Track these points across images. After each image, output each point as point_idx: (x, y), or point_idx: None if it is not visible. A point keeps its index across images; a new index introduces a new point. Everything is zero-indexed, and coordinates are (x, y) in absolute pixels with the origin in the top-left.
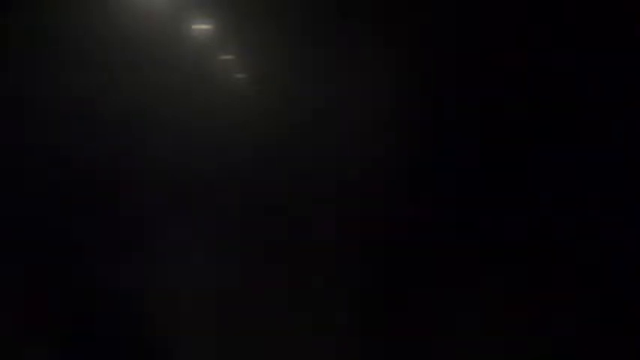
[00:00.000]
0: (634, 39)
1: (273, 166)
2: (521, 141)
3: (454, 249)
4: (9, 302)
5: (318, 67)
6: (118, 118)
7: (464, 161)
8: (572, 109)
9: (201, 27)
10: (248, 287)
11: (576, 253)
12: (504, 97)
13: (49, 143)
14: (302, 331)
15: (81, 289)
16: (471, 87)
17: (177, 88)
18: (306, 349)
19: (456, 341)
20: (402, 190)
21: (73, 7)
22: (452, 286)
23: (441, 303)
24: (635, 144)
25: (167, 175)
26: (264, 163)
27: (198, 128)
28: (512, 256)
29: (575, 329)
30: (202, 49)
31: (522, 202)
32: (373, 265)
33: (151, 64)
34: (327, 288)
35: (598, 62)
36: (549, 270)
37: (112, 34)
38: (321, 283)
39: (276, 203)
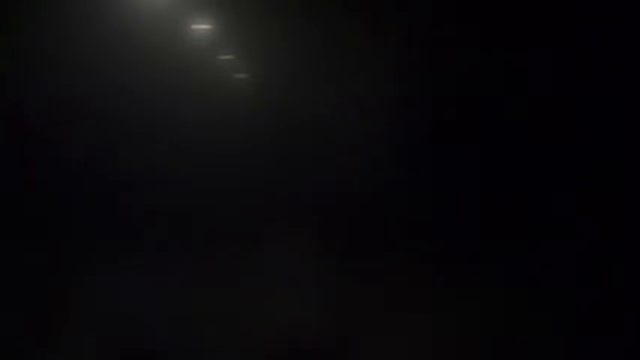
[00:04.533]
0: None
1: (273, 164)
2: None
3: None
4: None
5: (318, 66)
6: (119, 119)
7: (463, 161)
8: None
9: (202, 27)
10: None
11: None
12: (504, 97)
13: (50, 143)
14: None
15: None
16: (471, 87)
17: (178, 89)
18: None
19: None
20: (402, 190)
21: (73, 9)
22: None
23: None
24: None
25: (167, 174)
26: (263, 161)
27: (198, 128)
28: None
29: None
30: (202, 50)
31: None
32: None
33: (152, 65)
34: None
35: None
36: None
37: (111, 35)
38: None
39: (276, 201)
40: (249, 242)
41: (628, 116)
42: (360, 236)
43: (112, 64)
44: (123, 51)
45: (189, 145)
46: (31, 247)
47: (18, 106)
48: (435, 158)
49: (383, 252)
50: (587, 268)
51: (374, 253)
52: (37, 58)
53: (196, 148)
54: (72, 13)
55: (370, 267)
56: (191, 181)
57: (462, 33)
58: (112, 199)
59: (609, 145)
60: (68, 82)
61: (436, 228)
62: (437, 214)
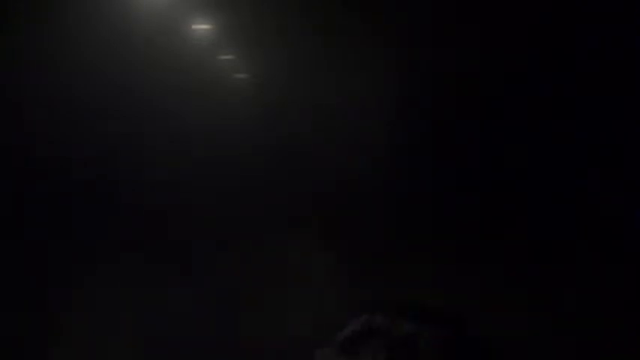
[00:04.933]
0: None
1: (273, 164)
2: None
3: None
4: None
5: (318, 67)
6: (119, 119)
7: (463, 160)
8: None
9: (202, 27)
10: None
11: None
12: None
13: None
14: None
15: None
16: (471, 86)
17: (178, 89)
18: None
19: None
20: (402, 190)
21: (73, 9)
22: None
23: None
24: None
25: (167, 173)
26: (263, 161)
27: (198, 127)
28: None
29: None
30: (202, 50)
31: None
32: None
33: (151, 65)
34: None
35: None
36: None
37: (111, 35)
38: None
39: (276, 201)
40: (249, 242)
41: (628, 116)
42: (360, 236)
43: (112, 64)
44: (123, 51)
45: (189, 144)
46: (31, 247)
47: (18, 106)
48: (435, 158)
49: (383, 251)
50: (587, 269)
51: (374, 253)
52: (37, 58)
53: (196, 148)
54: (72, 13)
55: (370, 266)
56: (191, 181)
57: (462, 33)
58: (111, 199)
59: (609, 145)
60: (68, 82)
61: (436, 228)
62: (437, 214)
